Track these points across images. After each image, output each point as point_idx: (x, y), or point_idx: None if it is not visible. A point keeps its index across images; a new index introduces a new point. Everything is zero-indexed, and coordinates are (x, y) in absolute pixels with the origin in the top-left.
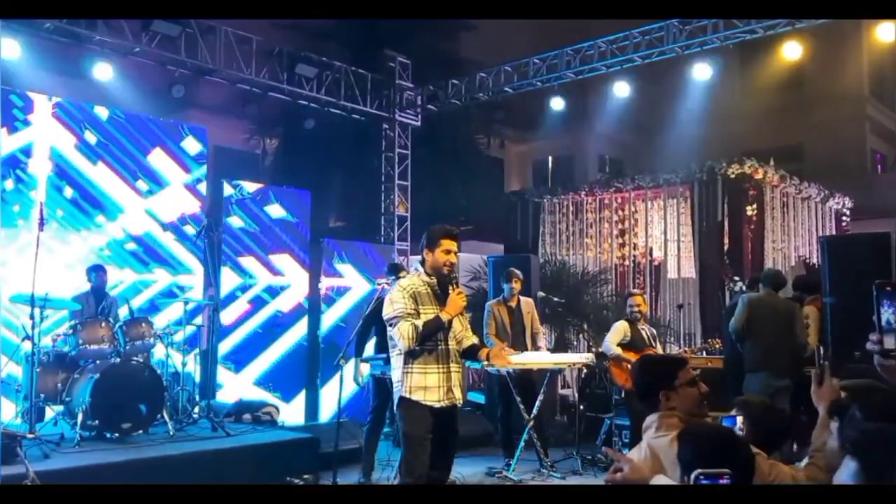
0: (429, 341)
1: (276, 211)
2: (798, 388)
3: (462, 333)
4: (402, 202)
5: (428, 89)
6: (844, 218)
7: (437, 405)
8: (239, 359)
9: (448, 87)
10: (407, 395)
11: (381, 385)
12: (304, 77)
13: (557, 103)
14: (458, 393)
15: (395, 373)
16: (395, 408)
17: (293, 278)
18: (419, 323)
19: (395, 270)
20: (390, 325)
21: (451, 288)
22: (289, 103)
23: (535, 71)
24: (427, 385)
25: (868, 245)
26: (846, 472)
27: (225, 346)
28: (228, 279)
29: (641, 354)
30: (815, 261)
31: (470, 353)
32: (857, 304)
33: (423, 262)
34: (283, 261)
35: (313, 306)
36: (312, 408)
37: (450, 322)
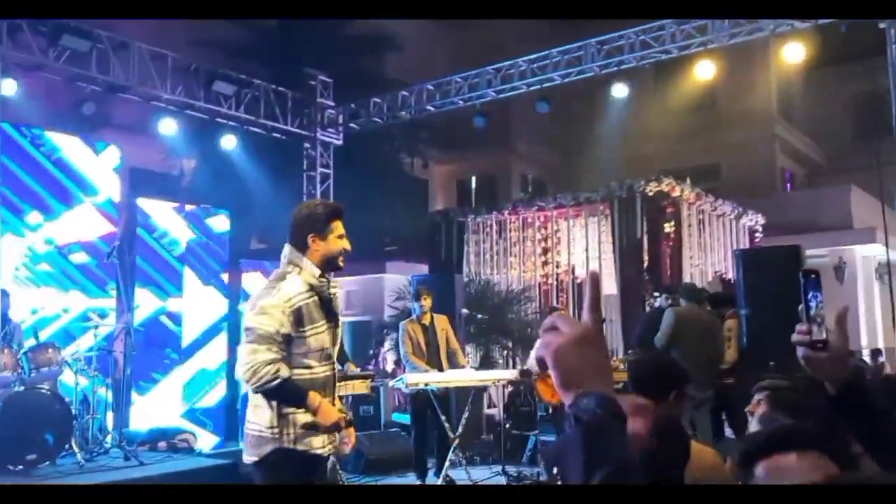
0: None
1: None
2: (718, 398)
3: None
4: None
5: (349, 108)
6: (757, 234)
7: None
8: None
9: (370, 106)
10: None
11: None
12: (222, 95)
13: (480, 122)
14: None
15: (259, 413)
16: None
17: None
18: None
19: None
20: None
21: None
22: (206, 122)
23: (457, 90)
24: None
25: (779, 258)
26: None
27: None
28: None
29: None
30: (730, 276)
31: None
32: (771, 315)
33: (300, 258)
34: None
35: (232, 327)
36: (232, 432)
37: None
